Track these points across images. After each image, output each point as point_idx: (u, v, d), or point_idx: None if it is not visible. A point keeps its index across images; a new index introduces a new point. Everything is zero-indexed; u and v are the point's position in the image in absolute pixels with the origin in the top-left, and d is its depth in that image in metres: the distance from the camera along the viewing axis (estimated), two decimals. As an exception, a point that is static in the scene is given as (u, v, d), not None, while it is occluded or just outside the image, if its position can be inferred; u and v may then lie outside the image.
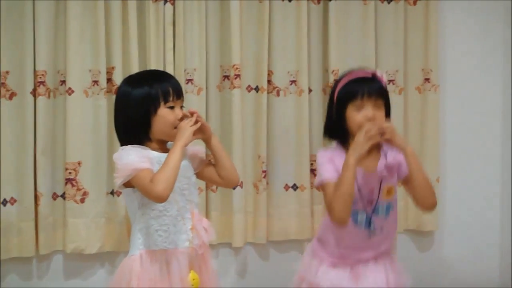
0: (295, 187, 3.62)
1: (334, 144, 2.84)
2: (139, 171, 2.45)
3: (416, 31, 3.74)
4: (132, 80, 2.67)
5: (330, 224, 2.77)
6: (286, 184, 3.63)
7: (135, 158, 2.48)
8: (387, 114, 2.77)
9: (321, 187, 2.78)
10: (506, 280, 3.92)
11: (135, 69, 3.34)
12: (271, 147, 3.61)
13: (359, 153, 2.61)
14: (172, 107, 2.58)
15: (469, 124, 3.91)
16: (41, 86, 3.31)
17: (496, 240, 3.98)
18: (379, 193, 2.76)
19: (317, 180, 2.80)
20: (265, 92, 3.56)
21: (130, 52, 3.38)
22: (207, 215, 3.50)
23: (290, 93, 3.60)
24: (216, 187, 3.53)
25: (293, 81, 3.60)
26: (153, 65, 3.37)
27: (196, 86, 3.47)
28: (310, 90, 3.63)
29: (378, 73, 2.78)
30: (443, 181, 3.81)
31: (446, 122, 3.85)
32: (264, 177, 3.58)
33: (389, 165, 2.78)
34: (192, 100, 3.43)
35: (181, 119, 2.58)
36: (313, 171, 3.63)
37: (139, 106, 2.55)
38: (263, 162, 3.57)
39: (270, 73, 3.59)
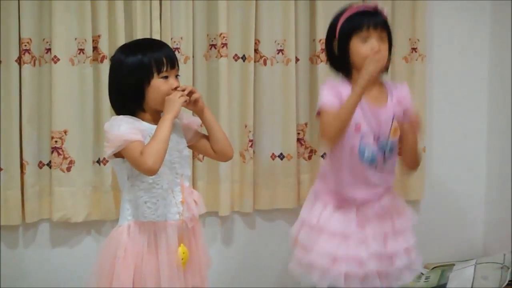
0: (281, 156, 3.63)
1: (339, 78, 2.86)
2: (129, 143, 2.42)
3: (403, 0, 3.73)
4: (126, 48, 2.62)
5: (334, 161, 2.81)
6: (273, 153, 3.63)
7: (126, 129, 2.45)
8: (389, 49, 2.80)
9: (319, 112, 2.77)
10: (490, 249, 3.96)
11: (121, 37, 3.33)
12: (257, 116, 3.61)
13: (367, 78, 2.61)
14: (166, 77, 2.55)
15: (455, 94, 3.93)
16: (26, 54, 3.28)
17: (481, 209, 4.02)
18: (390, 129, 2.78)
19: (318, 106, 2.79)
20: (252, 61, 3.55)
21: (116, 21, 3.35)
22: (194, 184, 3.50)
23: (277, 62, 3.59)
24: (203, 156, 3.53)
25: (280, 50, 3.59)
26: (139, 34, 3.35)
27: (183, 55, 3.46)
28: (297, 59, 3.62)
29: (380, 7, 2.81)
30: (429, 150, 3.83)
31: (432, 92, 3.86)
32: (251, 146, 3.58)
33: (399, 101, 2.81)
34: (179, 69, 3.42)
35: (175, 89, 2.54)
36: (299, 140, 3.64)
37: (131, 75, 2.51)
38: (249, 131, 3.57)
39: (257, 42, 3.57)
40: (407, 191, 3.81)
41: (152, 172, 2.42)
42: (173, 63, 2.57)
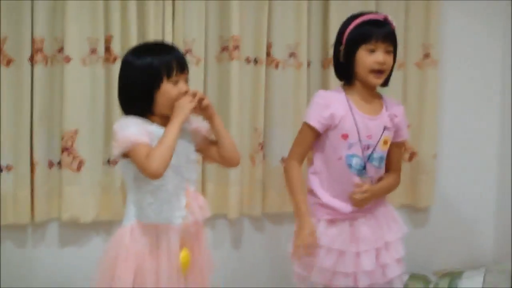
0: (291, 160, 3.62)
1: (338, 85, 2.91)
2: (136, 145, 2.42)
3: (417, 4, 3.72)
4: (136, 51, 2.61)
5: (322, 174, 2.84)
6: (283, 157, 3.62)
7: (134, 130, 2.45)
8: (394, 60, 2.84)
9: (302, 125, 2.86)
10: (500, 257, 3.94)
11: (133, 38, 3.32)
12: (268, 120, 3.60)
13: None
14: (175, 82, 2.53)
15: (467, 101, 3.91)
16: (39, 53, 3.28)
17: (491, 217, 4.00)
18: (379, 140, 2.81)
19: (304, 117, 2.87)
20: (264, 64, 3.54)
21: (129, 21, 3.35)
22: (203, 187, 3.50)
23: (289, 66, 3.58)
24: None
25: (292, 54, 3.58)
26: (151, 35, 3.35)
27: (195, 57, 3.45)
28: (309, 63, 3.61)
29: (389, 17, 2.83)
30: (440, 157, 3.82)
31: (444, 98, 3.85)
32: (261, 149, 3.58)
33: (392, 116, 2.83)
34: (191, 71, 3.36)
35: (185, 94, 2.52)
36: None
37: (140, 78, 2.50)
38: (260, 135, 3.56)
39: (269, 45, 3.56)
40: (417, 198, 3.80)
41: (156, 176, 2.41)
42: (183, 68, 2.55)
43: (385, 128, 2.82)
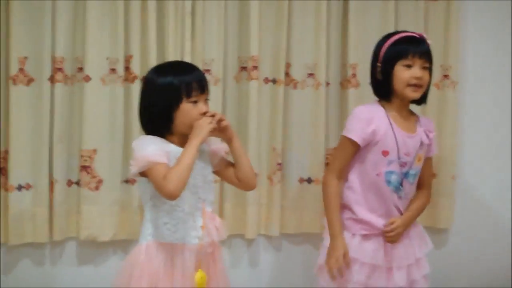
0: (309, 180, 3.61)
1: (374, 101, 2.93)
2: (154, 165, 2.43)
3: (436, 27, 3.71)
4: (158, 70, 2.63)
5: (359, 190, 2.85)
6: (301, 177, 3.62)
7: (153, 150, 2.46)
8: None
9: (342, 139, 2.86)
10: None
11: (153, 58, 3.34)
12: (286, 140, 3.60)
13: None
14: (195, 101, 2.54)
15: (486, 122, 3.89)
16: (59, 72, 3.31)
17: (510, 237, 3.96)
18: (415, 157, 2.84)
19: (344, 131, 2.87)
20: (282, 85, 3.54)
21: (149, 41, 3.37)
22: (221, 207, 3.50)
23: (307, 86, 3.58)
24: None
25: (310, 74, 3.58)
26: (171, 55, 3.37)
27: (214, 77, 3.46)
28: (327, 84, 3.61)
29: (424, 35, 2.87)
30: (459, 178, 3.79)
31: (463, 119, 3.83)
32: (279, 169, 3.57)
33: (427, 132, 2.88)
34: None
35: (204, 114, 2.53)
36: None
37: (161, 97, 2.51)
38: (278, 155, 3.56)
39: (287, 66, 3.57)
40: (436, 220, 3.77)
41: (172, 197, 2.42)
42: (203, 88, 2.56)
43: (421, 145, 2.86)
